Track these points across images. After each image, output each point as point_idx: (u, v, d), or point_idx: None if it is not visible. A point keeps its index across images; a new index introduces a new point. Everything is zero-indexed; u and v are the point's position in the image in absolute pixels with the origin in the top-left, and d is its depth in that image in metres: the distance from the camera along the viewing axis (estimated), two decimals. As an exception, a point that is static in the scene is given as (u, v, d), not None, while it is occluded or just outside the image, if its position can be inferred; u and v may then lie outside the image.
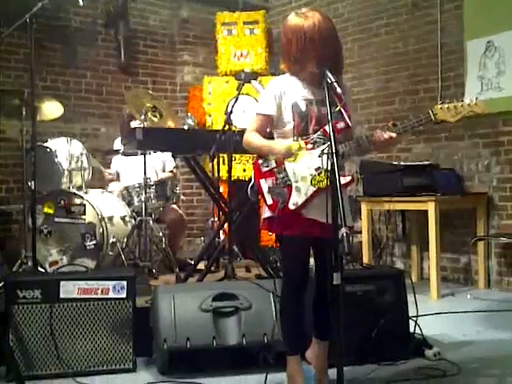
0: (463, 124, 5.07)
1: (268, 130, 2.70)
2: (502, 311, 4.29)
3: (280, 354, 2.96)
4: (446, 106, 2.52)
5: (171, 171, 5.33)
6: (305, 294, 2.65)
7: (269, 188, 2.59)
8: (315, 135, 2.55)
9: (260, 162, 2.64)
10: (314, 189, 2.52)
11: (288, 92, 2.60)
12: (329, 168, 2.30)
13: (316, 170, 2.53)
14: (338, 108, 2.44)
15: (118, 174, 5.32)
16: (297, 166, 2.56)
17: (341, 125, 2.51)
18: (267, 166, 2.61)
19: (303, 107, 2.57)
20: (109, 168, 5.38)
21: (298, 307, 2.66)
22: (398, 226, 5.88)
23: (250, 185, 2.67)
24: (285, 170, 2.57)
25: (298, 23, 2.52)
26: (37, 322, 3.03)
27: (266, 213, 2.64)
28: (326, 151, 2.43)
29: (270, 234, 2.75)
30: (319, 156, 2.51)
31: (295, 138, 2.57)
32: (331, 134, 2.31)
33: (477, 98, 2.52)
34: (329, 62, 2.48)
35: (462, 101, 2.52)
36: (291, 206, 2.54)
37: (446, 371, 2.98)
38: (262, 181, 2.61)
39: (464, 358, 3.19)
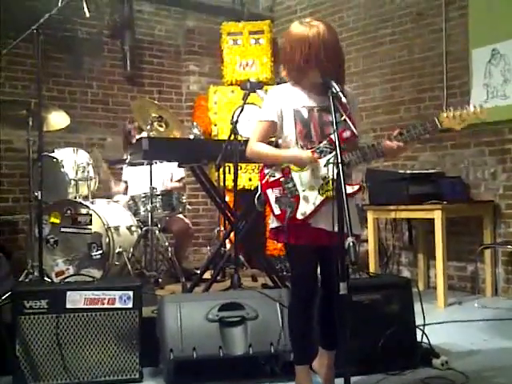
0: (469, 132, 5.06)
1: (272, 138, 2.70)
2: (509, 319, 4.26)
3: (287, 363, 2.96)
4: (452, 113, 2.52)
5: (179, 181, 5.33)
6: (313, 303, 2.64)
7: (276, 198, 2.58)
8: (321, 144, 2.54)
9: (266, 171, 2.63)
10: (322, 198, 2.52)
11: (288, 100, 2.60)
12: (335, 177, 2.30)
13: (323, 179, 2.53)
14: (343, 117, 2.44)
15: (126, 185, 5.32)
16: (304, 176, 2.55)
17: (347, 134, 2.50)
18: (274, 176, 2.61)
19: (305, 114, 2.57)
20: (119, 179, 5.39)
21: (307, 317, 2.65)
22: (405, 235, 5.86)
23: (257, 195, 2.66)
24: (292, 179, 2.57)
25: (302, 32, 2.53)
26: (43, 333, 3.03)
27: (273, 223, 2.63)
28: (331, 160, 2.43)
29: (277, 243, 2.73)
30: (325, 165, 2.51)
31: (299, 145, 2.57)
32: (337, 142, 2.31)
33: (481, 106, 2.52)
34: (332, 72, 2.48)
35: (467, 108, 2.52)
36: (299, 216, 2.53)
37: (454, 380, 2.96)
38: (269, 191, 2.60)
39: (472, 367, 3.17)
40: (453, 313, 4.54)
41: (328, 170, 2.49)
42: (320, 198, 2.52)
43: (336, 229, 2.26)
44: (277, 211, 2.58)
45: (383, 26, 6.10)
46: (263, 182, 2.63)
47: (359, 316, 2.99)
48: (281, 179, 2.59)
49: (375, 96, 6.14)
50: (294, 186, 2.56)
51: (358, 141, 2.63)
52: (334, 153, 2.35)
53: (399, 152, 2.58)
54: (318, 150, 2.54)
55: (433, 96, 5.66)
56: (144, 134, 4.86)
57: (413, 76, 5.84)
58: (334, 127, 2.36)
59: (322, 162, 2.53)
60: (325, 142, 2.54)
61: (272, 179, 2.61)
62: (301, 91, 2.62)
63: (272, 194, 2.60)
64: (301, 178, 2.56)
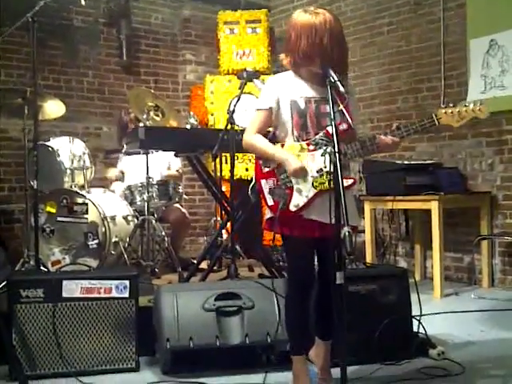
0: (467, 123, 5.04)
1: (270, 128, 2.68)
2: (506, 310, 4.27)
3: (283, 353, 2.96)
4: (450, 110, 2.51)
5: (177, 171, 5.31)
6: (310, 293, 2.64)
7: (270, 189, 2.57)
8: (317, 136, 2.52)
9: (261, 162, 2.62)
10: (316, 191, 2.50)
11: (286, 89, 2.58)
12: (331, 169, 2.29)
13: (318, 171, 2.51)
14: (339, 108, 2.43)
15: (122, 174, 5.31)
16: None
17: (343, 126, 2.48)
18: (268, 167, 2.60)
19: (302, 105, 2.55)
20: (113, 167, 5.37)
21: (304, 307, 2.65)
22: (402, 225, 5.86)
23: (251, 185, 2.65)
24: (286, 171, 2.56)
25: (308, 19, 2.50)
26: (40, 322, 3.02)
27: (268, 213, 2.63)
28: (328, 151, 2.42)
29: (272, 233, 2.72)
30: (322, 155, 2.49)
31: (295, 136, 2.55)
32: (334, 133, 2.29)
33: (481, 104, 2.51)
34: (334, 61, 2.47)
35: (466, 105, 2.51)
36: (292, 208, 2.52)
37: (450, 371, 2.97)
38: (263, 181, 2.59)
39: (468, 358, 3.18)
40: (449, 303, 4.55)
41: (324, 161, 2.48)
42: (313, 191, 2.51)
43: (332, 220, 2.25)
44: (270, 202, 2.57)
45: (381, 15, 6.07)
46: (258, 172, 2.62)
47: (356, 306, 3.00)
48: (275, 170, 2.58)
49: (372, 86, 6.12)
50: (288, 177, 2.55)
51: (356, 133, 2.62)
52: (330, 145, 2.34)
53: (395, 147, 2.57)
54: (313, 142, 2.53)
55: (430, 86, 5.64)
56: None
57: (410, 66, 5.82)
58: (332, 117, 2.34)
59: (318, 154, 2.51)
60: (321, 133, 2.52)
61: (267, 169, 2.60)
62: (301, 81, 2.60)
63: (266, 185, 2.58)
64: None
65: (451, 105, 2.54)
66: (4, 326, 2.95)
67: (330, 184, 2.37)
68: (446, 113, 2.51)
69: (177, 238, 5.04)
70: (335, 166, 2.24)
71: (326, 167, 2.46)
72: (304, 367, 2.70)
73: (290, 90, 2.58)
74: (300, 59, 2.53)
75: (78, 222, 4.35)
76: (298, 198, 2.52)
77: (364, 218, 5.47)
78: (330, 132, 2.35)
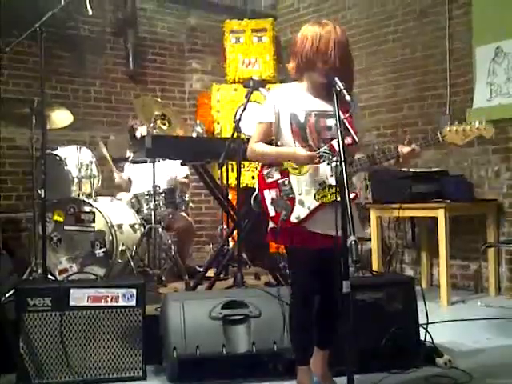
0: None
1: (273, 137, 2.70)
2: (513, 318, 4.26)
3: (290, 361, 2.96)
4: (455, 128, 2.53)
5: (185, 177, 5.33)
6: (312, 304, 2.64)
7: (272, 199, 2.58)
8: (321, 150, 2.53)
9: (264, 172, 2.63)
10: (318, 203, 2.51)
11: (287, 102, 2.59)
12: (334, 183, 2.30)
13: (320, 184, 2.52)
14: (342, 119, 2.43)
15: (129, 181, 5.32)
16: (302, 180, 2.55)
17: (347, 140, 2.47)
18: (272, 177, 2.61)
19: (301, 118, 2.56)
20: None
21: (306, 317, 2.65)
22: (408, 233, 5.85)
23: (254, 195, 2.67)
24: (289, 182, 2.57)
25: (314, 29, 2.53)
26: (47, 330, 3.03)
27: (270, 224, 2.63)
28: (333, 165, 2.41)
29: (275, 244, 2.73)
30: (328, 164, 2.50)
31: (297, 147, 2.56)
32: (340, 145, 2.27)
33: (487, 122, 2.53)
34: (338, 70, 2.47)
35: (471, 124, 2.52)
36: (293, 220, 2.53)
37: (457, 379, 2.96)
38: (266, 192, 2.60)
39: (475, 366, 3.16)
40: (456, 311, 4.54)
41: (326, 175, 2.49)
42: (315, 203, 2.52)
43: (333, 232, 2.25)
44: (272, 213, 2.58)
45: (386, 24, 6.08)
46: (261, 182, 2.63)
47: (362, 314, 2.99)
48: (278, 181, 2.59)
49: (378, 94, 6.12)
50: (291, 188, 2.56)
51: (358, 149, 2.62)
52: (334, 159, 2.34)
53: (410, 157, 2.58)
54: (317, 155, 2.53)
55: (436, 94, 5.64)
56: (144, 129, 4.86)
57: (416, 74, 5.83)
58: (338, 125, 2.32)
59: (322, 167, 2.52)
60: (325, 147, 2.53)
61: (270, 180, 2.61)
62: (303, 94, 2.61)
63: (268, 195, 2.60)
64: (298, 181, 2.56)
65: (457, 122, 2.55)
66: (12, 335, 2.96)
67: (331, 197, 2.42)
68: (450, 131, 2.53)
69: (183, 247, 5.05)
70: (342, 179, 2.23)
71: (328, 180, 2.48)
72: (308, 377, 2.70)
73: (290, 102, 2.59)
74: (302, 63, 2.54)
75: (85, 231, 4.37)
76: (299, 210, 2.53)
77: (370, 225, 5.47)
78: (335, 146, 2.35)
